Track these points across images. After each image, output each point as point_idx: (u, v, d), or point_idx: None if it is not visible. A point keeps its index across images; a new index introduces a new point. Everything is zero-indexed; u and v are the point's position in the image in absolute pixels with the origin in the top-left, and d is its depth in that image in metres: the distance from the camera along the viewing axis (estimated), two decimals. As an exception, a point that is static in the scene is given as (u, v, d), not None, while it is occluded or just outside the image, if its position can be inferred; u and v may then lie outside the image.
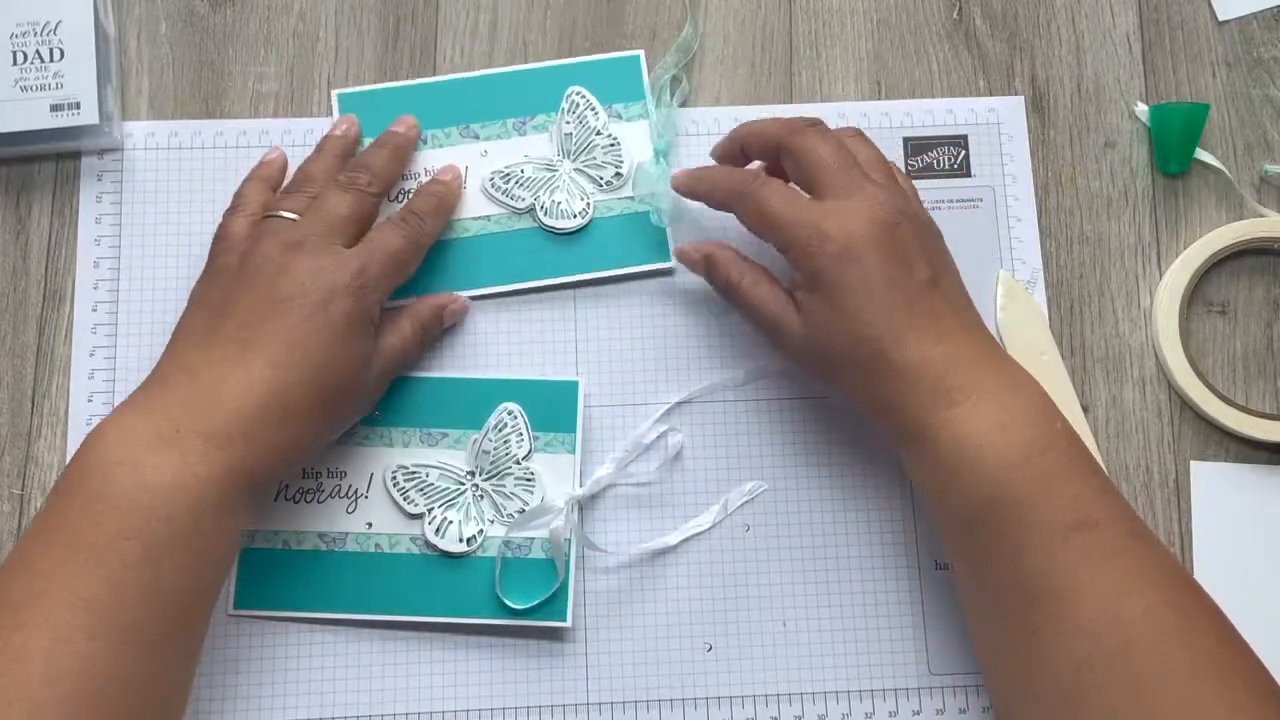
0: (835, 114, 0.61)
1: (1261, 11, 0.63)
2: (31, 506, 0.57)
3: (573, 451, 0.56)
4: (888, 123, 0.61)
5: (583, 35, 0.63)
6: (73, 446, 0.57)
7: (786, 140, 0.53)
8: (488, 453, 0.56)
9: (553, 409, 0.57)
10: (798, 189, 0.53)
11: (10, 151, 0.59)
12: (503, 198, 0.59)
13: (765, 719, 0.55)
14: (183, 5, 0.62)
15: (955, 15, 0.63)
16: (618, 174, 0.59)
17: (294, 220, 0.53)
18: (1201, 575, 0.57)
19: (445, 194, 0.57)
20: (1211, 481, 0.58)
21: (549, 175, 0.59)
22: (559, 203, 0.59)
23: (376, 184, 0.55)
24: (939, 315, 0.49)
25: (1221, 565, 0.57)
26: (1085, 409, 0.59)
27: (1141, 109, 0.62)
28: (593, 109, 0.60)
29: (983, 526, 0.47)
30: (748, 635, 0.56)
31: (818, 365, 0.52)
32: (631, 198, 0.59)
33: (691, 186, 0.56)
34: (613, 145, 0.60)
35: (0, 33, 0.58)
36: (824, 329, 0.50)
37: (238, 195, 0.56)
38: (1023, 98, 0.62)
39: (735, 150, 0.57)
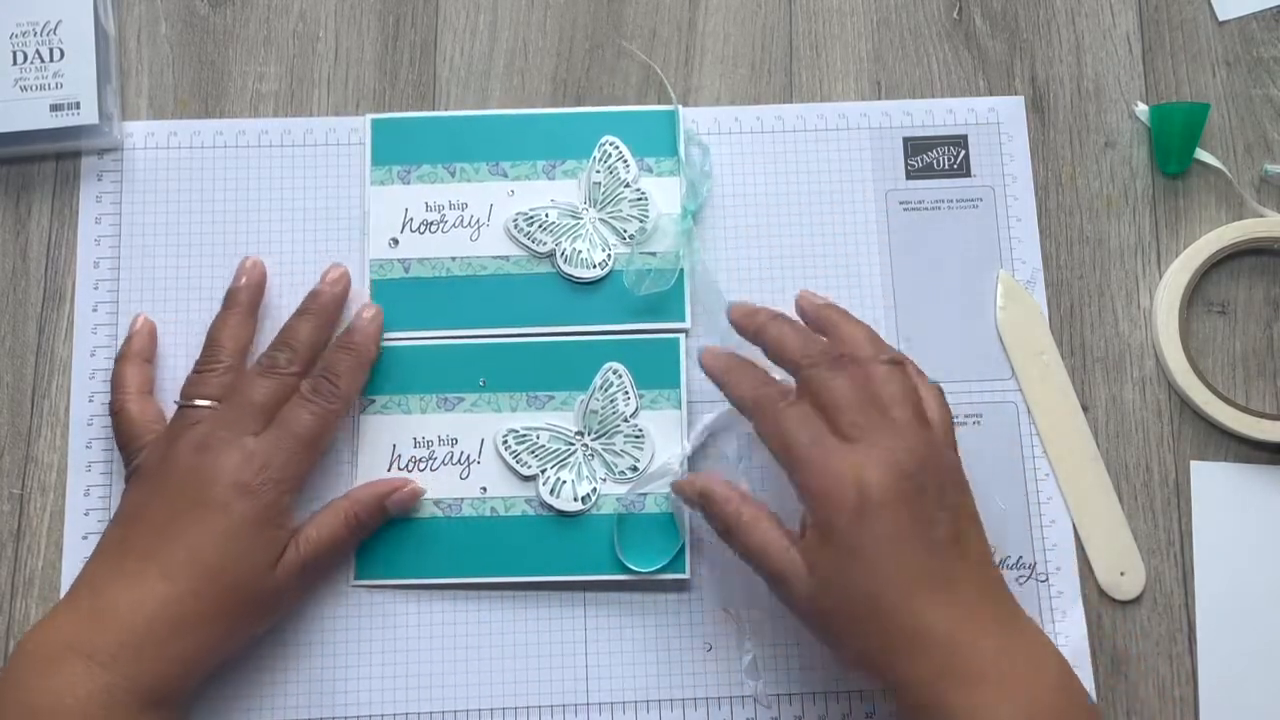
0: (835, 114, 0.61)
1: (1261, 11, 0.63)
2: (31, 506, 0.57)
3: (678, 407, 0.57)
4: (888, 123, 0.61)
5: (583, 35, 0.62)
6: (73, 446, 0.57)
7: (802, 373, 0.50)
8: (595, 412, 0.57)
9: (656, 366, 0.57)
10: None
11: (10, 151, 0.59)
12: (525, 240, 0.59)
13: (765, 719, 0.55)
14: (183, 5, 0.62)
15: (955, 15, 0.63)
16: (642, 228, 0.59)
17: (209, 408, 0.52)
18: (1201, 575, 0.57)
19: (362, 348, 0.55)
20: (1211, 481, 0.58)
21: (573, 223, 0.59)
22: (580, 251, 0.58)
23: (297, 361, 0.54)
24: (955, 579, 0.46)
25: (1221, 565, 0.57)
26: (1085, 409, 0.59)
27: (1141, 109, 0.62)
28: (624, 160, 0.59)
29: None
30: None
31: (821, 621, 0.48)
32: (653, 253, 0.59)
33: (718, 374, 0.53)
34: (640, 199, 0.59)
35: (0, 33, 0.58)
36: (831, 584, 0.47)
37: (116, 379, 0.55)
38: (1023, 98, 0.62)
39: (751, 335, 0.54)
